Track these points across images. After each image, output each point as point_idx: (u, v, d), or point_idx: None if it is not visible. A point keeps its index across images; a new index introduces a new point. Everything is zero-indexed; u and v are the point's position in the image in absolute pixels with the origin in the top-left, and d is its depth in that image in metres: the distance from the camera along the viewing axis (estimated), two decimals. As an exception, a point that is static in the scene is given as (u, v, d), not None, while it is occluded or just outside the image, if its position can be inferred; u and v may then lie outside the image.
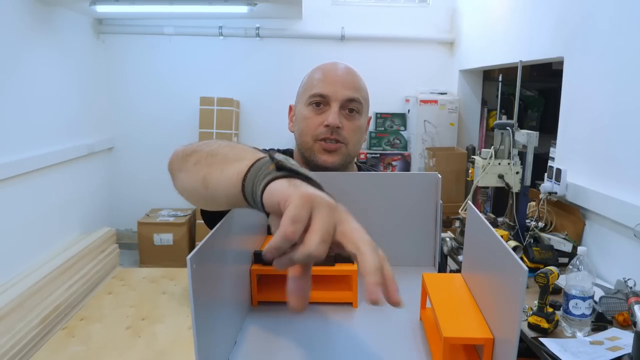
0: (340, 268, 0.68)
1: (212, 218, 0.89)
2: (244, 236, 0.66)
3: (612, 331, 1.44)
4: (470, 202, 0.67)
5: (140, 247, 3.67)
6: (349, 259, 0.68)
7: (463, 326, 0.53)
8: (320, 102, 0.98)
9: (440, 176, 0.81)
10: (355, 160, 1.12)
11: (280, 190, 0.48)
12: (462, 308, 0.57)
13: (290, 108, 1.08)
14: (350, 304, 0.69)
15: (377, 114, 3.96)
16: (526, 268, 0.42)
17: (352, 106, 0.98)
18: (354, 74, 1.01)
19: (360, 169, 1.14)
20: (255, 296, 0.68)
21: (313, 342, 0.59)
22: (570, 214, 2.12)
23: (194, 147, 0.71)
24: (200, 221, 3.71)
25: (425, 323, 0.63)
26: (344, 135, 0.97)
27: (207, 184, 0.65)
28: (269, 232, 0.79)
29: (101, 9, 3.18)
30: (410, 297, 0.71)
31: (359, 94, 0.99)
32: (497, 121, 2.39)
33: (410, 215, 0.82)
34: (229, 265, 0.58)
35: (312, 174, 0.52)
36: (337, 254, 0.67)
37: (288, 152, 1.10)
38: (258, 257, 0.68)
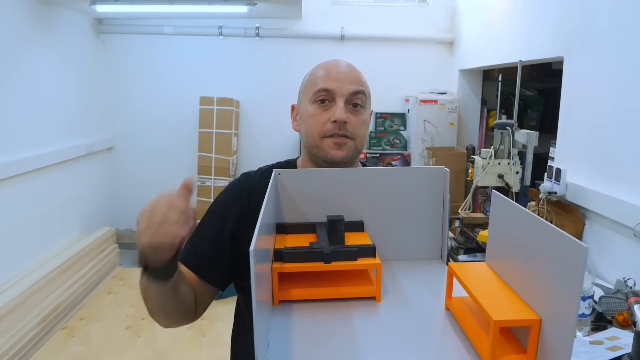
0: (362, 263, 0.68)
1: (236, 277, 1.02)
2: (264, 235, 0.65)
3: (612, 331, 1.44)
4: (494, 190, 0.67)
5: (140, 247, 3.66)
6: (372, 253, 0.69)
7: (509, 310, 0.53)
8: (325, 99, 0.98)
9: (448, 170, 0.82)
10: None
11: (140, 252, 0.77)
12: (500, 293, 0.57)
13: (293, 108, 1.08)
14: (373, 298, 0.68)
15: (377, 114, 3.96)
16: (586, 246, 0.43)
17: (357, 100, 0.99)
18: (356, 69, 1.02)
19: (364, 166, 1.14)
20: (277, 295, 0.67)
21: (346, 338, 0.59)
22: (570, 214, 2.12)
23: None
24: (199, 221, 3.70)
25: (456, 312, 0.63)
26: (351, 131, 0.98)
27: (160, 307, 0.92)
28: (278, 231, 0.81)
29: (101, 9, 3.18)
30: (429, 288, 0.72)
31: (363, 87, 1.00)
32: (497, 121, 2.39)
33: (418, 209, 0.83)
34: (261, 264, 0.58)
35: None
36: (360, 248, 0.68)
37: (291, 164, 1.10)
38: (279, 255, 0.67)
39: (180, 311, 0.93)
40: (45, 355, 2.40)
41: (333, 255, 0.67)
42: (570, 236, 0.45)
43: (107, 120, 3.89)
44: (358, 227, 0.81)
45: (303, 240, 0.74)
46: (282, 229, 0.80)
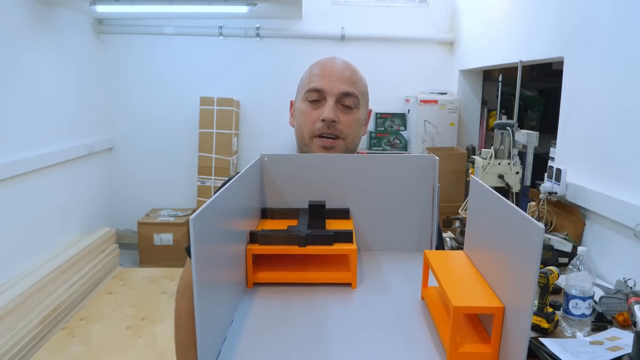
0: (338, 248, 0.67)
1: None
2: (240, 218, 0.65)
3: (612, 331, 1.44)
4: (472, 175, 0.67)
5: (140, 247, 3.66)
6: (348, 238, 0.68)
7: (472, 296, 0.52)
8: (316, 98, 0.99)
9: (437, 158, 0.80)
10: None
11: None
12: (469, 281, 0.57)
13: (291, 103, 1.09)
14: (349, 284, 0.68)
15: (377, 114, 3.96)
16: (542, 226, 0.41)
17: (348, 101, 0.98)
18: (350, 67, 1.02)
19: None
20: (251, 277, 0.67)
21: (312, 323, 0.58)
22: (570, 214, 2.12)
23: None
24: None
25: (428, 301, 0.62)
26: (340, 129, 0.98)
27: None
28: (262, 215, 0.80)
29: (101, 9, 3.18)
30: (409, 278, 0.71)
31: (354, 88, 0.99)
32: (497, 121, 2.39)
33: (406, 199, 0.81)
34: (227, 243, 0.58)
35: None
36: (336, 233, 0.67)
37: None
38: (254, 237, 0.67)
39: None
40: (45, 355, 2.40)
41: (308, 238, 0.66)
42: (528, 216, 0.44)
43: (107, 120, 3.89)
44: (344, 214, 0.80)
45: (284, 224, 0.73)
46: (266, 213, 0.79)
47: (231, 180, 0.62)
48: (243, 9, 3.21)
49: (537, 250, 0.41)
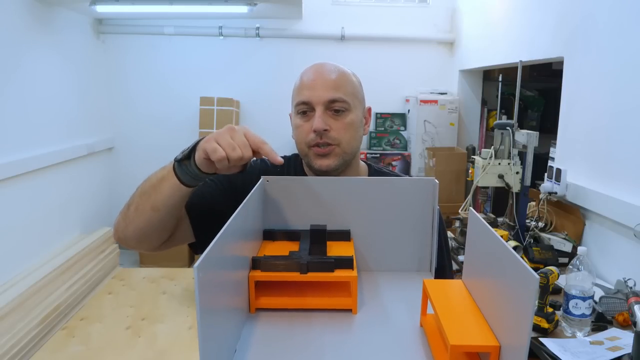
0: (339, 275, 0.67)
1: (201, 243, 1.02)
2: (242, 242, 0.65)
3: (612, 331, 1.44)
4: (471, 207, 0.67)
5: (140, 247, 3.66)
6: (349, 264, 0.69)
7: (469, 333, 0.52)
8: (306, 109, 0.99)
9: (437, 182, 0.80)
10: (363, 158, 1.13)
11: (199, 147, 0.80)
12: (466, 315, 0.56)
13: (291, 116, 1.09)
14: (349, 310, 0.68)
15: (377, 114, 3.96)
16: (537, 277, 0.42)
17: (337, 106, 0.98)
18: (336, 71, 1.00)
19: (370, 167, 1.13)
20: (253, 303, 0.67)
21: (314, 350, 0.59)
22: (570, 214, 2.12)
23: (125, 206, 0.97)
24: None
25: (427, 329, 0.62)
26: (333, 137, 0.97)
27: (154, 206, 0.88)
28: (264, 237, 0.81)
29: (101, 9, 3.18)
30: (408, 302, 0.71)
31: (340, 92, 0.98)
32: (497, 121, 2.39)
33: (406, 220, 0.82)
34: (229, 271, 0.58)
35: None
36: (337, 259, 0.67)
37: (298, 159, 1.11)
38: (256, 263, 0.67)
39: (163, 225, 0.93)
40: (45, 355, 2.40)
41: (309, 265, 0.66)
42: (526, 265, 0.45)
43: (107, 120, 3.88)
44: (344, 236, 0.80)
45: (286, 247, 0.74)
46: (269, 235, 0.80)
47: (239, 207, 0.62)
48: (243, 9, 3.21)
49: (532, 298, 0.43)
